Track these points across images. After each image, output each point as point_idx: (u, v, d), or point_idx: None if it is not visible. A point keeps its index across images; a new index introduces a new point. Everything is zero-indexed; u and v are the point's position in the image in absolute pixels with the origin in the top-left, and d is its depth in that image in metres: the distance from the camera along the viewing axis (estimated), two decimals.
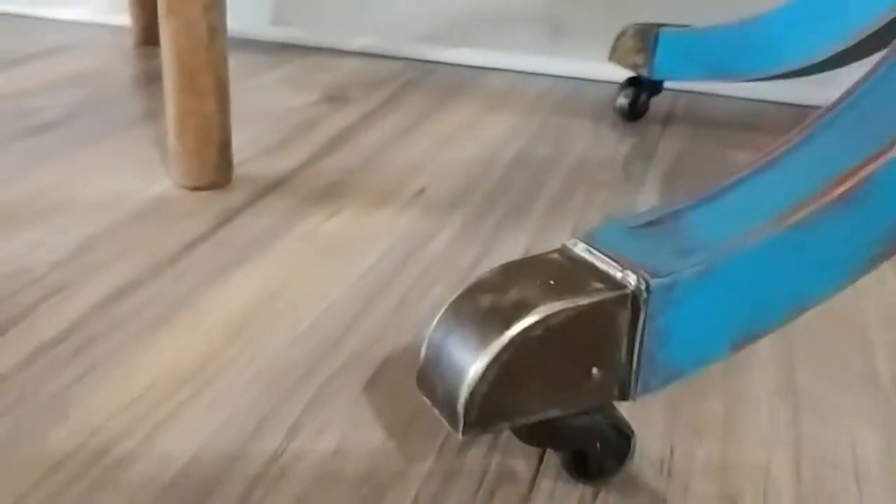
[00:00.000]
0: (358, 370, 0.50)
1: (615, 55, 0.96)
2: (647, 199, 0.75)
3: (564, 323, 0.36)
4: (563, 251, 0.40)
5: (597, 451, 0.40)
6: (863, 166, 0.41)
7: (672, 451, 0.44)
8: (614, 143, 0.89)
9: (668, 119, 0.98)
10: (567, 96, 1.06)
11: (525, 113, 0.98)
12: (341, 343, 0.52)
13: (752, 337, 0.41)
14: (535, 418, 0.37)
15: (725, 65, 0.86)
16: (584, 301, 0.36)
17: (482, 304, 0.37)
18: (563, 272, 0.38)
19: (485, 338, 0.35)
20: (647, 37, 0.92)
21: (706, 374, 0.51)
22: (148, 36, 1.19)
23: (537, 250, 0.65)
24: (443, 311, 0.38)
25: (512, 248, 0.65)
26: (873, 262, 0.43)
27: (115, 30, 1.30)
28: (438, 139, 0.88)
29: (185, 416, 0.45)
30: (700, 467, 0.43)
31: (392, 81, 1.08)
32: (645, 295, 0.37)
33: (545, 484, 0.42)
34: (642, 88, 0.95)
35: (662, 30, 0.91)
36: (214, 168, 0.71)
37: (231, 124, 0.72)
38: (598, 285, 0.37)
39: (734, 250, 0.39)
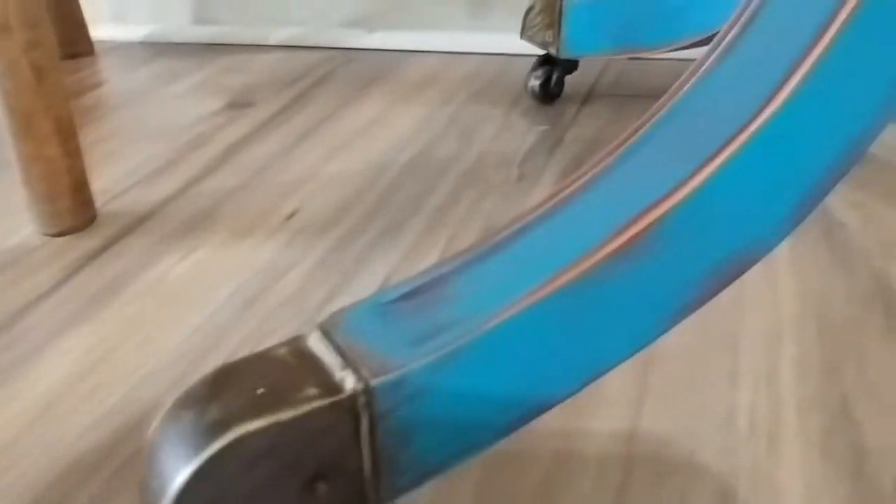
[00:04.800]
0: None
1: (525, 33, 0.90)
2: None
3: (264, 445, 0.32)
4: (296, 343, 0.35)
5: None
6: (651, 209, 0.36)
7: None
8: (521, 134, 0.83)
9: (588, 96, 0.91)
10: (490, 78, 1.00)
11: (438, 103, 0.92)
12: (145, 423, 0.49)
13: (530, 415, 0.37)
14: None
15: (635, 36, 0.79)
16: (287, 415, 0.32)
17: (182, 425, 0.33)
18: (282, 375, 0.34)
19: (169, 475, 0.31)
20: (554, 10, 0.85)
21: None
22: (67, 50, 1.15)
23: (399, 278, 0.60)
24: (152, 428, 0.34)
25: (370, 281, 0.60)
26: (674, 317, 0.38)
27: None
28: (334, 145, 0.83)
29: None
30: None
31: (307, 76, 1.03)
32: (363, 399, 0.32)
33: None
34: (555, 67, 0.89)
35: (568, 1, 0.84)
36: (69, 213, 0.68)
37: (84, 165, 0.68)
38: (313, 391, 0.33)
39: (489, 325, 0.34)
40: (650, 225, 0.35)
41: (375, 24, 1.12)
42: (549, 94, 0.89)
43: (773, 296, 0.56)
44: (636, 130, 0.40)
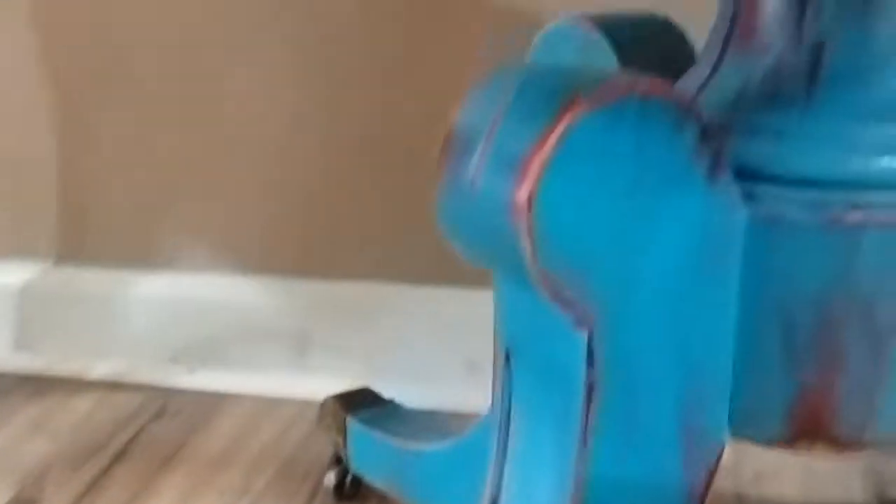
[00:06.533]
0: None
1: (320, 424, 0.86)
2: None
3: None
4: None
5: None
6: None
7: None
8: None
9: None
10: (300, 440, 0.95)
11: (238, 488, 0.87)
12: None
13: None
14: None
15: (401, 474, 0.74)
16: None
17: None
18: None
19: None
20: (338, 418, 0.81)
21: None
22: None
23: None
24: None
25: None
26: None
27: None
28: None
29: None
30: None
31: (111, 442, 0.97)
32: None
33: None
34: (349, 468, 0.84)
35: (350, 418, 0.80)
36: None
37: None
38: None
39: None
40: None
41: (197, 361, 1.07)
42: (344, 495, 0.84)
43: None
44: None
